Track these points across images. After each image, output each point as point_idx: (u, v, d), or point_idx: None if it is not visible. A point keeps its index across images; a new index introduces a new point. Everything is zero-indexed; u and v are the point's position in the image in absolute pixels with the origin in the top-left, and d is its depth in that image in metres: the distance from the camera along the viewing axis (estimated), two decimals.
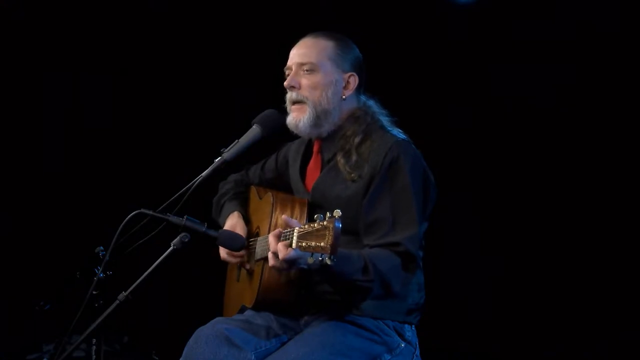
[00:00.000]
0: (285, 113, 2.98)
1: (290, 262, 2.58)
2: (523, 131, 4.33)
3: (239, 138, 2.88)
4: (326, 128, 2.94)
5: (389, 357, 2.85)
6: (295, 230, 2.46)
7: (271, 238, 2.61)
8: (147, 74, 4.75)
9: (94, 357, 2.74)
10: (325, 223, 2.40)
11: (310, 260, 2.43)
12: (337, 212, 2.38)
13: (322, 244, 2.38)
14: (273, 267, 2.62)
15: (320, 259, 2.40)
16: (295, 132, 2.98)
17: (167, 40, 4.75)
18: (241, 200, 3.28)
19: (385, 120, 2.96)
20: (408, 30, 4.43)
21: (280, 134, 3.00)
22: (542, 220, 4.31)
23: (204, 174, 2.78)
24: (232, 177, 3.37)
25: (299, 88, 2.92)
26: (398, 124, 2.98)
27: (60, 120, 4.75)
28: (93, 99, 4.77)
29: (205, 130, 4.63)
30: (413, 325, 2.93)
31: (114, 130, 4.79)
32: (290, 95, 2.94)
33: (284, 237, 2.59)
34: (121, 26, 4.71)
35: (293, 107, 2.94)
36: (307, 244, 2.41)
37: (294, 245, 2.45)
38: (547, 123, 4.29)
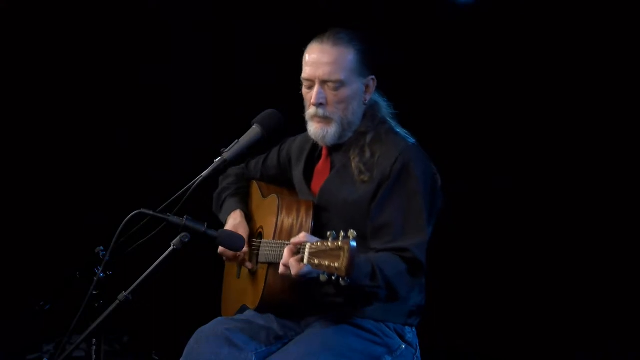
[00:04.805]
0: (284, 113, 2.97)
1: (301, 277, 2.59)
2: (522, 130, 4.33)
3: (239, 138, 2.88)
4: (349, 136, 2.94)
5: (390, 359, 2.85)
6: (307, 247, 2.46)
7: (286, 251, 2.61)
8: (147, 74, 4.74)
9: (94, 357, 2.74)
10: (340, 244, 2.37)
11: (323, 279, 2.42)
12: (352, 233, 2.37)
13: (336, 264, 2.36)
14: (282, 275, 2.65)
15: (333, 278, 2.40)
16: (320, 143, 2.97)
17: (167, 40, 4.75)
18: (242, 196, 3.26)
19: (391, 119, 2.97)
20: (407, 29, 4.43)
21: (280, 134, 2.99)
22: (542, 219, 4.31)
23: (204, 174, 2.78)
24: (233, 171, 3.33)
25: (326, 105, 2.88)
26: (399, 118, 2.98)
27: (60, 119, 4.75)
28: (93, 99, 4.77)
29: (205, 130, 4.63)
30: (414, 327, 2.94)
31: (114, 130, 4.78)
32: (316, 112, 2.89)
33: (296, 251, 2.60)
34: (121, 25, 4.71)
35: (317, 119, 2.91)
36: (319, 261, 2.40)
37: (305, 261, 2.46)
38: (546, 122, 4.29)
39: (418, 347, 2.95)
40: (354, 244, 2.35)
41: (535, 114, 4.31)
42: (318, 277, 2.48)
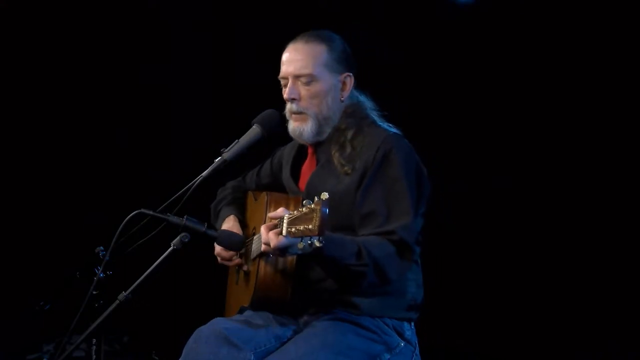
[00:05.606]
0: (284, 114, 2.98)
1: (282, 250, 2.59)
2: (522, 130, 4.33)
3: (239, 138, 2.89)
4: (327, 132, 2.96)
5: (389, 356, 2.85)
6: (285, 218, 2.48)
7: (263, 229, 2.62)
8: (147, 74, 4.75)
9: (94, 357, 2.74)
10: (312, 206, 2.42)
11: (301, 245, 2.45)
12: (324, 195, 2.40)
13: (310, 226, 2.40)
14: (265, 252, 2.65)
15: (309, 242, 2.42)
16: (299, 140, 3.00)
17: (167, 40, 4.76)
18: (238, 205, 3.30)
19: (375, 116, 2.98)
20: (407, 29, 4.43)
21: (280, 133, 3.00)
22: (542, 219, 4.31)
23: (204, 173, 2.78)
24: (230, 184, 3.39)
25: (299, 100, 2.91)
26: (388, 119, 2.99)
27: (60, 119, 4.75)
28: (93, 99, 4.77)
29: (205, 130, 4.63)
30: (412, 324, 2.94)
31: (114, 130, 4.79)
32: (290, 107, 2.94)
33: (274, 226, 2.61)
34: (121, 25, 4.71)
35: (294, 116, 2.95)
36: (296, 229, 2.43)
37: (284, 232, 2.48)
38: (546, 122, 4.29)
39: (417, 345, 2.95)
40: (325, 204, 2.39)
41: (535, 114, 4.31)
42: (299, 252, 2.50)
